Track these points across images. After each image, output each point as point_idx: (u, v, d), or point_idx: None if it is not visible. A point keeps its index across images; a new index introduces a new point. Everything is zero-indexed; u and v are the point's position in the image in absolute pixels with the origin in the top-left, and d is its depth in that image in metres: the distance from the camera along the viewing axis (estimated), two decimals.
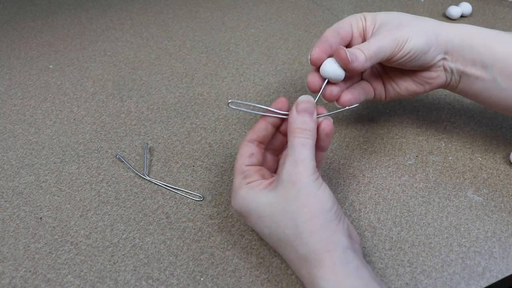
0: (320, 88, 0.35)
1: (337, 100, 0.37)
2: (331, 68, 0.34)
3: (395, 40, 0.34)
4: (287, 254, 0.30)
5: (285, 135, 0.34)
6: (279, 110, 0.33)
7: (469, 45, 0.36)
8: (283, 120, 0.34)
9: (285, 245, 0.30)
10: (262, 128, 0.33)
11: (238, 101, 0.36)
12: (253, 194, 0.31)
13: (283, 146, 0.35)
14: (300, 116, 0.32)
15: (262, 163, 0.34)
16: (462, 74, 0.37)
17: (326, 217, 0.29)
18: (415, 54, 0.35)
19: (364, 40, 0.38)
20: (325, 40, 0.35)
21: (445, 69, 0.37)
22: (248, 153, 0.33)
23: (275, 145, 0.35)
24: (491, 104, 0.38)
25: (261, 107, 0.33)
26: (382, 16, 0.37)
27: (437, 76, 0.38)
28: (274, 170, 0.36)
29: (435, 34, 0.35)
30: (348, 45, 0.38)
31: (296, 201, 0.29)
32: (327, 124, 0.33)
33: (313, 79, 0.35)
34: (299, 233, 0.29)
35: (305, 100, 0.33)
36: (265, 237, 0.32)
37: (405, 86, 0.39)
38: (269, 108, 0.33)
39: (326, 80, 0.35)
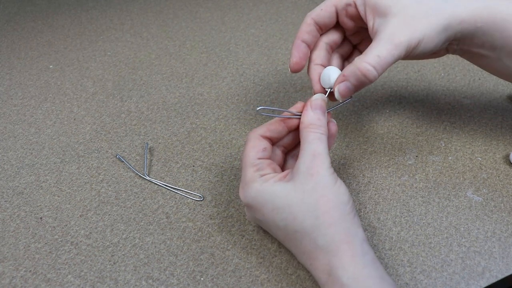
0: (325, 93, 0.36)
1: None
2: (327, 79, 0.35)
3: (407, 49, 0.31)
4: (303, 246, 0.30)
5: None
6: (299, 112, 0.34)
7: (482, 31, 0.33)
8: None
9: (302, 236, 0.30)
10: (279, 130, 0.34)
11: (267, 107, 0.37)
12: (269, 185, 0.31)
13: (293, 143, 0.36)
14: (315, 113, 0.33)
15: (271, 159, 0.35)
16: (466, 52, 0.36)
17: (344, 210, 0.30)
18: (422, 55, 0.33)
19: (356, 23, 0.36)
20: (300, 44, 0.36)
21: (447, 50, 0.37)
22: (261, 147, 0.33)
23: (285, 143, 0.36)
24: (489, 71, 0.37)
25: (285, 111, 0.34)
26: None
27: (437, 55, 0.37)
28: (281, 166, 0.36)
29: (446, 29, 0.32)
30: (332, 28, 0.37)
31: (314, 193, 0.29)
32: (332, 125, 0.34)
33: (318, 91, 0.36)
34: (318, 224, 0.29)
35: (320, 98, 0.34)
36: (279, 230, 0.31)
37: None
38: (289, 111, 0.34)
39: (329, 90, 0.35)
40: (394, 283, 0.29)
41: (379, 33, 0.32)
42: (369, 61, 0.31)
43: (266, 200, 0.31)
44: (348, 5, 0.34)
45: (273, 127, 0.34)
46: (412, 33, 0.31)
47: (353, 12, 0.35)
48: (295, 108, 0.34)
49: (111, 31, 0.70)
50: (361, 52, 0.39)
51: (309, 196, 0.29)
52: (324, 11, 0.35)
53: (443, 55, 0.37)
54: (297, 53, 0.36)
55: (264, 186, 0.31)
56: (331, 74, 0.34)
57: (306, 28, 0.36)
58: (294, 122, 0.34)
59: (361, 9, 0.34)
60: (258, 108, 0.33)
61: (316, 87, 0.36)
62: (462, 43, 0.35)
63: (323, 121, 0.32)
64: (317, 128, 0.32)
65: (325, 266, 0.29)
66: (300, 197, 0.30)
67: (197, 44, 0.65)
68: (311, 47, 0.37)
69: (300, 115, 0.33)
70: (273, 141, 0.35)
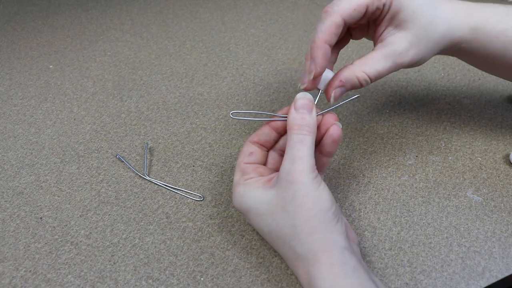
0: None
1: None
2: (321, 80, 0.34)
3: (403, 67, 0.33)
4: (285, 253, 0.30)
5: None
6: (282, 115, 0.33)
7: (464, 50, 0.35)
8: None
9: (283, 244, 0.30)
10: (266, 133, 0.34)
11: (240, 111, 0.36)
12: (249, 190, 0.31)
13: None
14: (298, 113, 0.31)
15: (263, 163, 0.35)
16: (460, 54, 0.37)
17: (325, 217, 0.29)
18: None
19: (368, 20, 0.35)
20: (326, 49, 0.32)
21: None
22: (247, 152, 0.34)
23: (282, 146, 0.35)
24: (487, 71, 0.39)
25: (263, 113, 0.34)
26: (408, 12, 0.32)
27: None
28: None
29: (440, 50, 0.34)
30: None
31: (294, 201, 0.29)
32: (335, 129, 0.32)
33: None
34: (297, 233, 0.29)
35: (303, 97, 0.32)
36: (264, 235, 0.32)
37: None
38: (271, 113, 0.34)
39: (320, 91, 0.34)
40: None
41: (385, 44, 0.33)
42: (368, 72, 0.32)
43: (250, 206, 0.31)
44: (378, 8, 0.32)
45: (261, 130, 0.34)
46: (415, 55, 0.33)
47: (376, 13, 0.33)
48: (282, 111, 0.34)
49: (111, 31, 0.70)
50: (352, 36, 0.38)
51: (289, 204, 0.29)
52: (356, 12, 0.32)
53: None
54: (323, 61, 0.32)
55: (246, 191, 0.31)
56: (326, 75, 0.34)
57: (335, 30, 0.32)
58: (280, 125, 0.34)
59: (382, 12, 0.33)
60: (231, 112, 0.33)
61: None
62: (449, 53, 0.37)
63: (307, 120, 0.31)
64: (300, 128, 0.30)
65: (305, 275, 0.28)
66: (281, 204, 0.29)
67: (197, 44, 0.65)
68: None
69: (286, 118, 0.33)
70: (266, 146, 0.35)
